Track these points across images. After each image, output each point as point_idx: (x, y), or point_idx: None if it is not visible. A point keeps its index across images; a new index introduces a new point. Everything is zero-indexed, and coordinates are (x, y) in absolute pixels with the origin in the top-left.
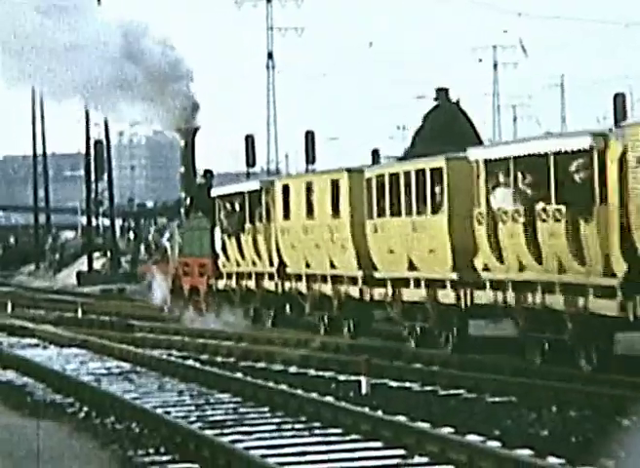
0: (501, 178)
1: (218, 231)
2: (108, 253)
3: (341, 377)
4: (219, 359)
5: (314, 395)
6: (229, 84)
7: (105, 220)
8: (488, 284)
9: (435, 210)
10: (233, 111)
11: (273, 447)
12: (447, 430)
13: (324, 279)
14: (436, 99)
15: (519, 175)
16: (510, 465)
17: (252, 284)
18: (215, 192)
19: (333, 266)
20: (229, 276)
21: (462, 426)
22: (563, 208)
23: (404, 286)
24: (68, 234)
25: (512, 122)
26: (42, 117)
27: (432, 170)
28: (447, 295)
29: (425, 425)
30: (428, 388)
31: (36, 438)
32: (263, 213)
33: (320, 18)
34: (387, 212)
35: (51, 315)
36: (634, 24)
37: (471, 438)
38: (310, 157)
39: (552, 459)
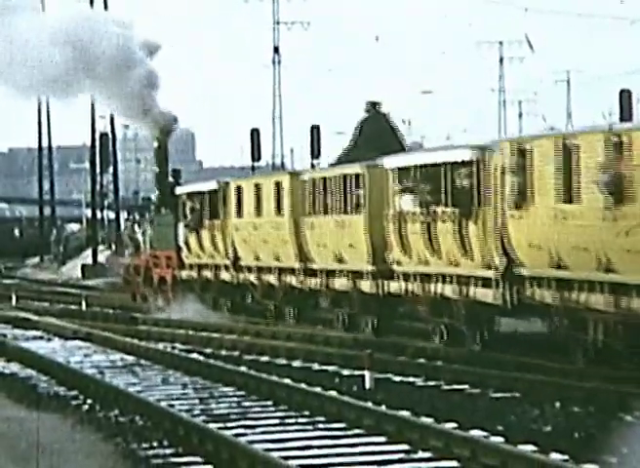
0: (407, 184)
1: (181, 226)
2: (113, 247)
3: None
4: (223, 352)
5: (318, 389)
6: (236, 78)
7: (110, 213)
8: (398, 275)
9: (356, 210)
10: (239, 105)
11: (277, 441)
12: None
13: (271, 271)
14: (368, 112)
15: (420, 182)
16: None
17: (210, 275)
18: (178, 190)
19: (278, 259)
20: (191, 267)
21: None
22: (452, 210)
23: (334, 277)
24: (73, 227)
25: (518, 118)
26: (47, 109)
27: (355, 175)
28: (367, 285)
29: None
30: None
31: (40, 430)
32: (220, 210)
33: (326, 12)
34: (320, 211)
35: (55, 307)
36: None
37: None
38: (316, 151)
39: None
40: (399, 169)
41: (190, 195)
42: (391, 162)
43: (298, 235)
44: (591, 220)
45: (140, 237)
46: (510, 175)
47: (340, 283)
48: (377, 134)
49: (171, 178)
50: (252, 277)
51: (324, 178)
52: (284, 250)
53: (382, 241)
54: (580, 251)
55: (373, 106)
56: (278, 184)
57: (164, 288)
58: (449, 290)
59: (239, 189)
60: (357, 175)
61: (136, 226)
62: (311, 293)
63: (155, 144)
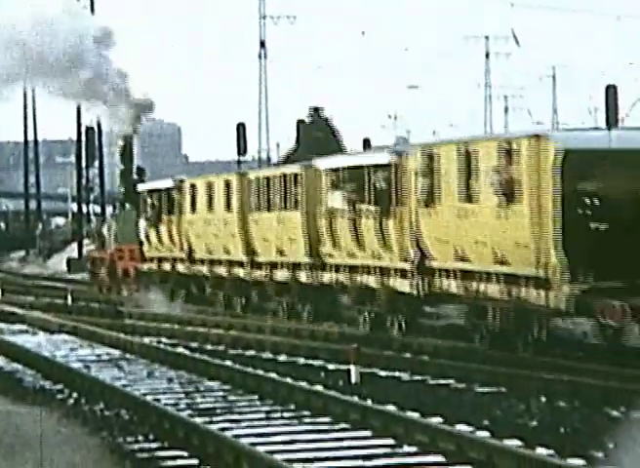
0: (336, 184)
1: (142, 221)
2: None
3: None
4: (208, 347)
5: (303, 383)
6: (222, 72)
7: (96, 207)
8: (330, 267)
9: (295, 207)
10: (226, 100)
11: (262, 435)
12: None
13: (221, 263)
14: (311, 116)
15: (347, 182)
16: None
17: (168, 267)
18: (140, 188)
19: (227, 253)
20: (152, 260)
21: None
22: (374, 208)
23: (277, 268)
24: (59, 220)
25: (504, 112)
26: (33, 103)
27: (294, 175)
28: (304, 276)
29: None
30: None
31: (25, 424)
32: (176, 207)
33: (312, 6)
34: (264, 208)
35: (41, 301)
36: (625, 17)
37: None
38: None
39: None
40: (330, 170)
41: (150, 192)
42: (323, 163)
43: (245, 230)
44: (487, 218)
45: (105, 232)
46: (421, 178)
47: (282, 274)
48: (318, 137)
49: (135, 176)
50: (204, 269)
51: (267, 178)
52: (233, 244)
53: (317, 235)
54: (478, 245)
55: (315, 111)
56: (228, 183)
57: (127, 280)
58: (372, 280)
59: (193, 187)
60: (295, 175)
61: (104, 222)
62: (257, 284)
63: (121, 143)
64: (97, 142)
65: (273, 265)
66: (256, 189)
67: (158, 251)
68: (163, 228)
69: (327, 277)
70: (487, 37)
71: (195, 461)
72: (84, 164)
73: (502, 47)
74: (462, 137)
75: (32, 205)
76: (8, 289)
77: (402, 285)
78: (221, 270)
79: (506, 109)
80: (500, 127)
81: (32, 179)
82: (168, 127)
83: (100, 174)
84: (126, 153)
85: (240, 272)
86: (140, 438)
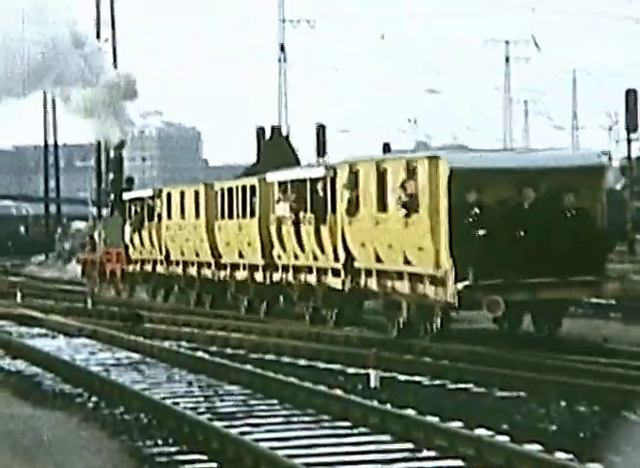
0: (283, 194)
1: (127, 227)
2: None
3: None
4: (228, 351)
5: (323, 387)
6: (241, 76)
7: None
8: (279, 268)
9: (252, 215)
10: (245, 104)
11: (282, 439)
12: None
13: (193, 264)
14: (271, 134)
15: (291, 193)
16: None
17: (149, 268)
18: (125, 196)
19: (197, 255)
20: (136, 262)
21: None
22: (311, 216)
23: (236, 269)
24: (79, 224)
25: (524, 117)
26: (53, 107)
27: (251, 187)
28: (260, 276)
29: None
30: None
31: (45, 428)
32: (155, 213)
33: (332, 10)
34: (226, 215)
35: (60, 305)
36: None
37: None
38: (321, 150)
39: None
40: (279, 182)
41: (134, 200)
42: (274, 177)
43: (211, 235)
44: (396, 226)
45: (96, 236)
46: (346, 190)
47: (241, 274)
48: (276, 153)
49: (125, 185)
50: (179, 270)
51: (230, 189)
52: (201, 247)
53: (269, 240)
54: (390, 249)
55: (274, 130)
56: (197, 193)
57: (115, 280)
58: (312, 279)
59: (169, 196)
60: (253, 187)
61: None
62: (221, 283)
63: (112, 154)
64: None
65: (235, 266)
66: (220, 199)
67: (141, 253)
68: (144, 233)
69: (277, 276)
70: (507, 41)
71: (215, 465)
72: (103, 168)
73: (523, 51)
74: (378, 157)
75: (52, 209)
76: (28, 292)
77: (335, 282)
78: (193, 271)
79: (526, 113)
80: (520, 131)
81: (52, 184)
82: (187, 131)
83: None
84: (116, 163)
85: (208, 273)
86: (160, 441)
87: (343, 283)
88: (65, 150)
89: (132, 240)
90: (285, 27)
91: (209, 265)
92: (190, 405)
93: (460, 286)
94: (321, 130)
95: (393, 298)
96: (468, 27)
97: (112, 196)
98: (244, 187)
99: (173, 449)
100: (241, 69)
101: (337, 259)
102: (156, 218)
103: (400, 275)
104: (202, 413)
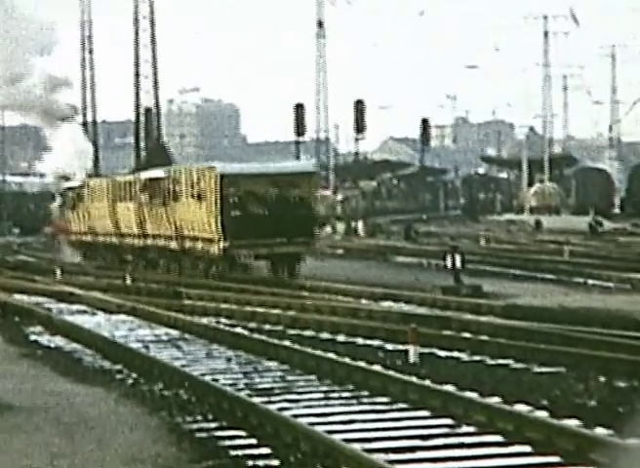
0: (146, 187)
1: (69, 206)
2: None
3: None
4: (267, 327)
5: (362, 363)
6: (280, 53)
7: None
8: (148, 236)
9: (132, 200)
10: (284, 80)
11: (321, 415)
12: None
13: (103, 235)
14: (154, 143)
15: (150, 186)
16: None
17: (81, 238)
18: (64, 185)
19: (105, 228)
20: (75, 233)
21: None
22: (159, 201)
23: (128, 237)
24: None
25: (563, 92)
26: (92, 84)
27: (132, 181)
28: (136, 241)
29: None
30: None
31: (85, 404)
32: (84, 197)
33: None
34: (122, 199)
35: (99, 282)
36: None
37: None
38: (360, 126)
39: None
40: (146, 179)
41: (72, 187)
42: (143, 175)
43: (112, 214)
44: (192, 208)
45: (54, 213)
46: (171, 186)
47: (129, 241)
48: (155, 157)
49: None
50: (97, 239)
51: (123, 182)
52: (104, 223)
53: (141, 218)
54: (193, 223)
55: (157, 140)
56: (106, 183)
57: (63, 246)
58: (163, 243)
59: (90, 185)
60: (132, 182)
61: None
62: (120, 247)
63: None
64: (155, 123)
65: (127, 235)
66: (119, 188)
67: (77, 227)
68: (78, 211)
69: (146, 242)
70: (545, 17)
71: (254, 441)
72: (143, 145)
73: (561, 26)
74: (187, 166)
75: None
76: (66, 269)
77: (173, 245)
78: (104, 239)
79: (565, 88)
80: (560, 106)
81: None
82: (226, 107)
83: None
84: None
85: (112, 239)
86: (199, 418)
87: (177, 244)
88: (104, 127)
89: (72, 217)
90: (324, 3)
91: (111, 235)
92: (229, 381)
93: (223, 245)
94: (359, 106)
95: (195, 253)
96: (507, 3)
97: (66, 182)
98: (130, 182)
99: (212, 425)
100: (280, 45)
101: (174, 230)
102: (83, 201)
103: (197, 238)
104: (241, 389)
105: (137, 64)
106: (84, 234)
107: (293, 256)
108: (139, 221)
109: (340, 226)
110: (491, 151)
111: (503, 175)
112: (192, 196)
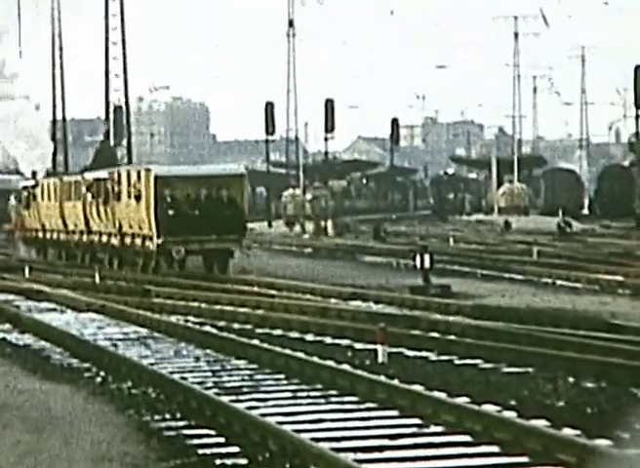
0: (91, 187)
1: (23, 204)
2: None
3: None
4: (235, 326)
5: (330, 363)
6: (250, 52)
7: None
8: (93, 232)
9: (79, 199)
10: (254, 79)
11: (289, 414)
12: None
13: (53, 231)
14: (102, 143)
15: (95, 186)
16: None
17: (34, 234)
18: (21, 184)
19: (56, 225)
20: (29, 230)
21: None
22: (102, 200)
23: (76, 233)
24: None
25: (532, 93)
26: (62, 82)
27: (79, 181)
28: (83, 238)
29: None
30: None
31: (53, 402)
32: (37, 196)
33: None
34: (69, 199)
35: (68, 280)
36: None
37: None
38: (330, 125)
39: None
40: (92, 179)
41: (26, 187)
42: (88, 175)
43: (61, 211)
44: (131, 208)
45: (11, 210)
46: (116, 186)
47: (76, 237)
48: (103, 158)
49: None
50: (47, 235)
51: (70, 182)
52: (57, 220)
53: (87, 215)
54: (132, 221)
55: (104, 142)
56: (55, 183)
57: (18, 242)
58: (106, 239)
59: (42, 185)
60: (78, 181)
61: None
62: (69, 243)
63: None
64: (125, 121)
65: (74, 232)
66: (67, 188)
67: (30, 224)
68: (32, 210)
69: (92, 238)
70: (516, 17)
71: (222, 440)
72: (112, 143)
73: (531, 27)
74: (127, 166)
75: None
76: (35, 267)
77: (114, 241)
78: (53, 235)
79: (535, 89)
80: (529, 107)
81: (60, 158)
82: (196, 106)
83: (129, 153)
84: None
85: (61, 236)
86: (167, 416)
87: (118, 240)
88: (74, 125)
89: (26, 214)
90: (294, 3)
91: (59, 232)
92: (198, 379)
93: (158, 241)
94: (329, 105)
95: (134, 248)
96: (477, 3)
97: (24, 181)
98: (76, 181)
99: (180, 424)
100: (250, 45)
101: (115, 228)
102: (37, 200)
103: (136, 235)
104: (209, 388)
105: (107, 62)
106: (36, 231)
107: (223, 252)
108: (84, 219)
109: (310, 226)
110: (460, 151)
111: (473, 175)
112: (132, 196)
